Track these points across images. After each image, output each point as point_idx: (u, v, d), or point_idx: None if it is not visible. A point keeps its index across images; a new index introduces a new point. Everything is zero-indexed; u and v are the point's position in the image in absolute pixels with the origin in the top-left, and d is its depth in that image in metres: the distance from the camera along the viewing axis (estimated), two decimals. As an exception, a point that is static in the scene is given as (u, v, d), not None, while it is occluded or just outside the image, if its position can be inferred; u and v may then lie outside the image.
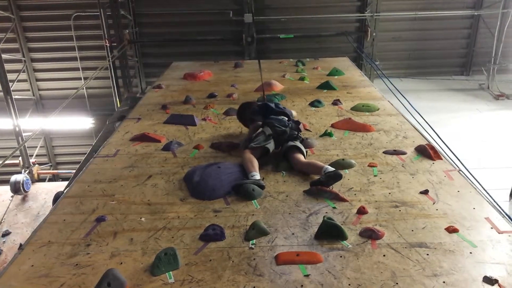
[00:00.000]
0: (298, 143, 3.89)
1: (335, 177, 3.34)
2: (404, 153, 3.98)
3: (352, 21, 10.87)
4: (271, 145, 3.89)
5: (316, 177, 3.47)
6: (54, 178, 10.65)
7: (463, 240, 2.70)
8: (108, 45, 9.84)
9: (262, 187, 3.39)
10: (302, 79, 6.81)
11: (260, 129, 4.02)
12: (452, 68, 11.84)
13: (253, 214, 3.08)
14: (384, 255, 2.57)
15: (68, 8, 10.36)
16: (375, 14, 10.24)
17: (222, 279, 2.42)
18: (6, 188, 7.93)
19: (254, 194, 3.28)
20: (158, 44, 11.00)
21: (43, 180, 9.76)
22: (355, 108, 5.26)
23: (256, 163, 3.67)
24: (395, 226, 2.87)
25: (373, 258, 2.55)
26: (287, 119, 4.11)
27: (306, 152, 3.97)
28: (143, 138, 4.52)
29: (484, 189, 3.54)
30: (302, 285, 2.35)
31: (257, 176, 3.48)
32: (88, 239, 2.85)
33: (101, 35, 10.05)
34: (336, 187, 3.36)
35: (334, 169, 3.39)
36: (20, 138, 8.43)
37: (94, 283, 2.37)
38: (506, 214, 3.00)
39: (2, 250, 6.68)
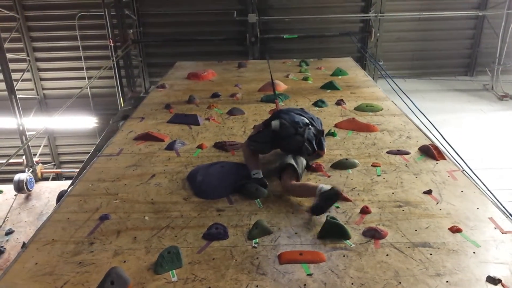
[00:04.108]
0: (298, 161, 3.44)
1: (334, 195, 2.94)
2: (407, 153, 3.98)
3: (356, 21, 10.84)
4: (266, 149, 3.70)
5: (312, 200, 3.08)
6: (58, 177, 10.66)
7: (467, 240, 2.70)
8: (112, 44, 9.84)
9: (265, 186, 3.39)
10: (305, 79, 6.81)
11: (269, 122, 3.67)
12: (456, 68, 11.80)
13: (256, 213, 3.08)
14: (387, 255, 2.57)
15: (72, 8, 10.38)
16: (379, 14, 10.19)
17: (225, 277, 2.42)
18: (10, 187, 7.96)
19: (257, 194, 3.28)
20: (162, 44, 11.00)
21: (46, 179, 9.78)
22: (358, 108, 5.26)
23: (256, 158, 3.65)
24: (398, 226, 2.86)
25: (376, 258, 2.55)
26: (307, 121, 3.66)
27: (307, 167, 3.65)
28: (146, 137, 4.53)
29: (488, 189, 3.53)
30: (305, 284, 2.35)
31: (259, 174, 3.46)
32: (92, 237, 2.86)
33: (105, 34, 10.06)
34: (339, 187, 3.35)
35: (330, 186, 3.00)
36: (24, 137, 8.46)
37: (97, 281, 2.38)
38: (510, 214, 2.99)
39: (5, 248, 6.71)
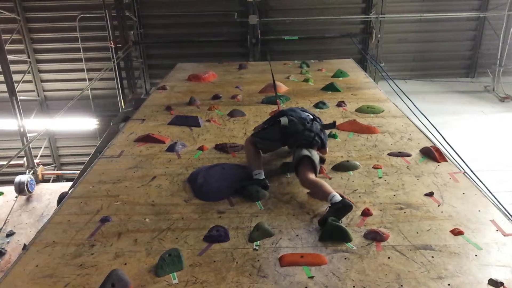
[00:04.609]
0: (313, 153, 3.43)
1: (346, 209, 2.93)
2: (409, 155, 3.97)
3: (357, 22, 10.84)
4: (276, 146, 3.78)
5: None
6: (58, 178, 10.67)
7: (468, 242, 2.69)
8: (113, 46, 9.84)
9: (266, 187, 3.38)
10: (306, 80, 6.80)
11: (278, 119, 3.63)
12: (457, 70, 11.79)
13: (257, 215, 3.07)
14: (388, 257, 2.56)
15: (73, 10, 10.39)
16: (380, 16, 10.19)
17: (226, 280, 2.41)
18: (11, 189, 7.95)
19: (258, 196, 3.28)
20: (163, 46, 11.01)
21: (47, 180, 9.75)
22: (359, 110, 5.25)
23: (259, 157, 3.63)
24: (399, 228, 2.86)
25: (378, 260, 2.54)
26: (311, 117, 3.69)
27: (323, 162, 3.69)
28: (147, 139, 4.53)
29: (489, 191, 3.52)
30: (306, 287, 2.34)
31: (261, 175, 3.45)
32: (93, 239, 2.85)
33: (106, 36, 10.07)
34: (340, 189, 3.35)
35: (341, 198, 2.97)
36: (24, 138, 8.44)
37: (98, 283, 2.37)
38: (512, 217, 2.99)
39: (6, 250, 6.70)
